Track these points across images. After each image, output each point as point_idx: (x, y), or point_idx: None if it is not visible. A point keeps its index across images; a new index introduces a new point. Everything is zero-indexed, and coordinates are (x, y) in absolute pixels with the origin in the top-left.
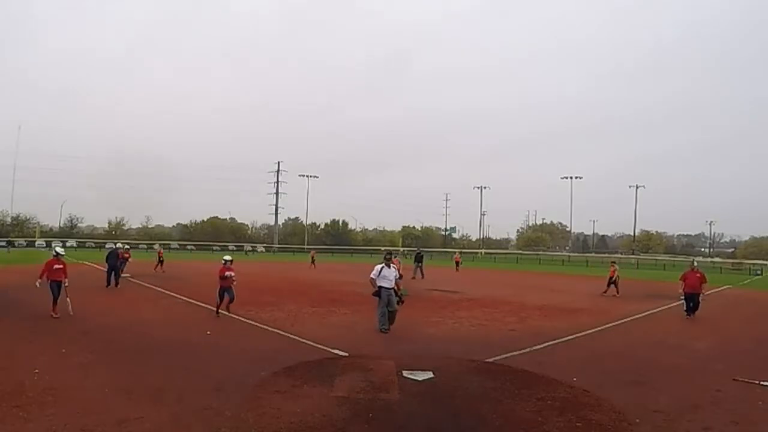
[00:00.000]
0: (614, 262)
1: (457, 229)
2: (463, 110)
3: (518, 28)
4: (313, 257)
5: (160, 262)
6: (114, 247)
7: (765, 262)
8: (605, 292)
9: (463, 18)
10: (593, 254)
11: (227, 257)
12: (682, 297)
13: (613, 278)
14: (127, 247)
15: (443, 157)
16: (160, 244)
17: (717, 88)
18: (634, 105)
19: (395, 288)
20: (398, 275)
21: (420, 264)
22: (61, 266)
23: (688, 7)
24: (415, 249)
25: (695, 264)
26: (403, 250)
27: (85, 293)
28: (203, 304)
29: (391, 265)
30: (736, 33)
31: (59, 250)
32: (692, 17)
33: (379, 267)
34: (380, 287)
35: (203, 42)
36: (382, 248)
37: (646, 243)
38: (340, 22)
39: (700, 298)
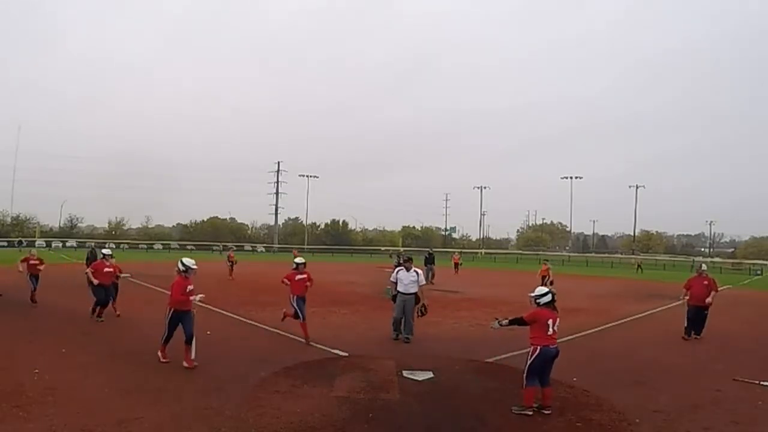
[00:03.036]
0: (547, 260)
1: (457, 229)
2: (464, 111)
3: (519, 30)
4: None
5: (231, 266)
6: (92, 247)
7: (765, 262)
8: None
9: (464, 20)
10: (593, 254)
11: (106, 251)
12: (683, 298)
13: (547, 277)
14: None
15: (443, 158)
16: (233, 246)
17: (717, 90)
18: (635, 106)
19: (417, 295)
20: (422, 280)
21: (431, 266)
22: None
23: (687, 11)
24: (427, 249)
25: (703, 268)
26: (402, 250)
27: (85, 293)
28: (203, 305)
29: (411, 268)
30: (736, 37)
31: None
32: (692, 23)
33: (396, 271)
34: (397, 292)
35: (203, 43)
36: (382, 248)
37: (646, 243)
38: (344, 27)
39: (707, 311)
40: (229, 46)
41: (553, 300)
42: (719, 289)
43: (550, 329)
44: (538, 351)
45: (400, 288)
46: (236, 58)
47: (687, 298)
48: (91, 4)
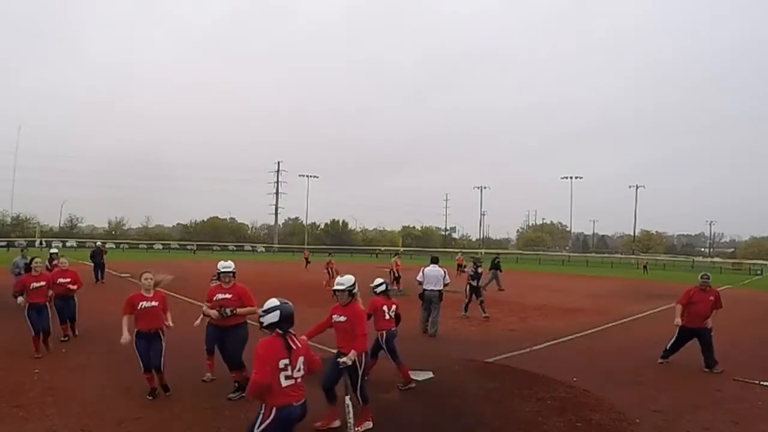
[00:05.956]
0: (461, 253)
1: (457, 229)
2: (465, 112)
3: (522, 35)
4: (306, 258)
5: (330, 274)
6: (97, 245)
7: (765, 262)
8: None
9: (468, 25)
10: (593, 254)
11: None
12: (680, 321)
13: (462, 266)
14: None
15: (444, 158)
16: (330, 254)
17: (719, 92)
18: (636, 107)
19: (441, 292)
20: (447, 279)
21: (496, 272)
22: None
23: (688, 14)
24: (496, 253)
25: (708, 279)
26: (402, 250)
27: (85, 293)
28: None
29: (437, 267)
30: (738, 41)
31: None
32: (693, 27)
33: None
34: (424, 290)
35: (203, 46)
36: (382, 248)
37: (646, 243)
38: (348, 32)
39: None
40: (230, 50)
41: (387, 290)
42: (714, 286)
43: (387, 315)
44: (384, 336)
45: (427, 285)
46: (237, 60)
47: (683, 315)
48: (97, 10)
